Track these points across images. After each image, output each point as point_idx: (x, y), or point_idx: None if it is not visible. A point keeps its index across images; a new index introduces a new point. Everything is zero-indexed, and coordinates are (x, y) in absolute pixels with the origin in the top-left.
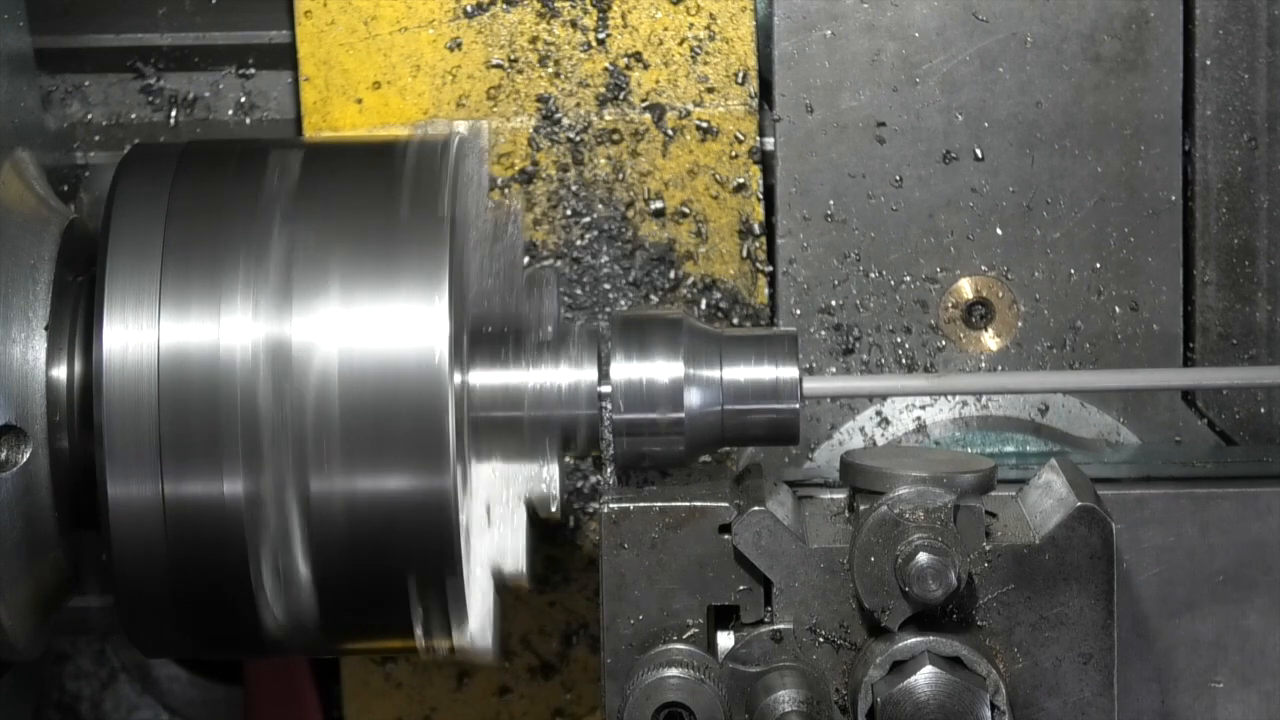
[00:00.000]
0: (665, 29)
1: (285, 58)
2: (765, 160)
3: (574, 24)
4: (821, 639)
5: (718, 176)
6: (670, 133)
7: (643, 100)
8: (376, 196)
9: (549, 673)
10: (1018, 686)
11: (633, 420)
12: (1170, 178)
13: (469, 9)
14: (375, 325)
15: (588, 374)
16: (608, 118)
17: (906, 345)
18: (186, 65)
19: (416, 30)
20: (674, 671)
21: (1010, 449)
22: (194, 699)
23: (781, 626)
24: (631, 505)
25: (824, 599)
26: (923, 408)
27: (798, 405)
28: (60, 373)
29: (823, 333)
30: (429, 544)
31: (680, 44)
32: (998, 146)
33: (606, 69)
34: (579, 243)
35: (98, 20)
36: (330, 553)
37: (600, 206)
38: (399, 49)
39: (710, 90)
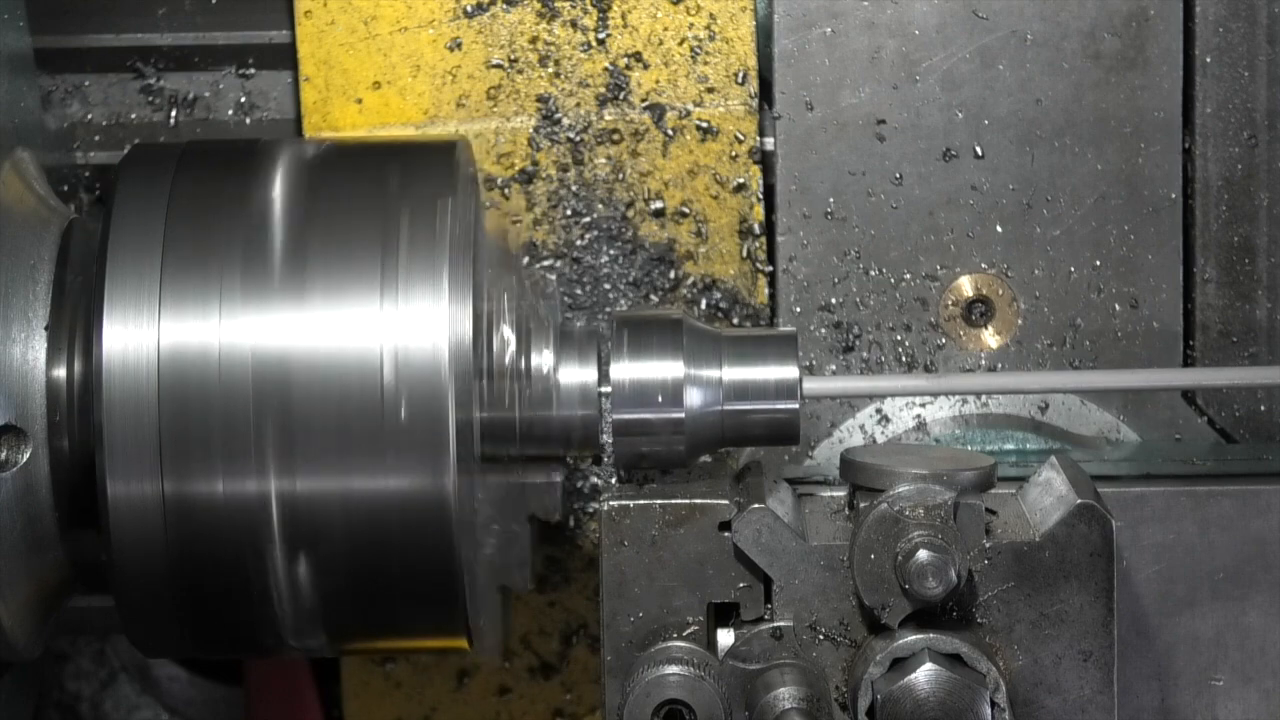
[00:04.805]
0: (665, 29)
1: (285, 58)
2: (765, 160)
3: (574, 24)
4: (821, 636)
5: (718, 176)
6: (670, 133)
7: (643, 100)
8: (377, 197)
9: (549, 673)
10: (1018, 684)
11: (633, 420)
12: (1170, 175)
13: (469, 9)
14: (376, 325)
15: (588, 374)
16: (608, 118)
17: (906, 343)
18: (186, 65)
19: (416, 30)
20: (674, 669)
21: (1010, 446)
22: (194, 699)
23: (781, 624)
24: (632, 503)
25: (824, 596)
26: (923, 405)
27: (798, 405)
28: (60, 373)
29: (823, 330)
30: (429, 544)
31: (680, 44)
32: (998, 144)
33: (606, 69)
34: (579, 243)
35: (98, 20)
36: (330, 552)
37: (600, 206)
38: (399, 49)
39: (710, 90)
